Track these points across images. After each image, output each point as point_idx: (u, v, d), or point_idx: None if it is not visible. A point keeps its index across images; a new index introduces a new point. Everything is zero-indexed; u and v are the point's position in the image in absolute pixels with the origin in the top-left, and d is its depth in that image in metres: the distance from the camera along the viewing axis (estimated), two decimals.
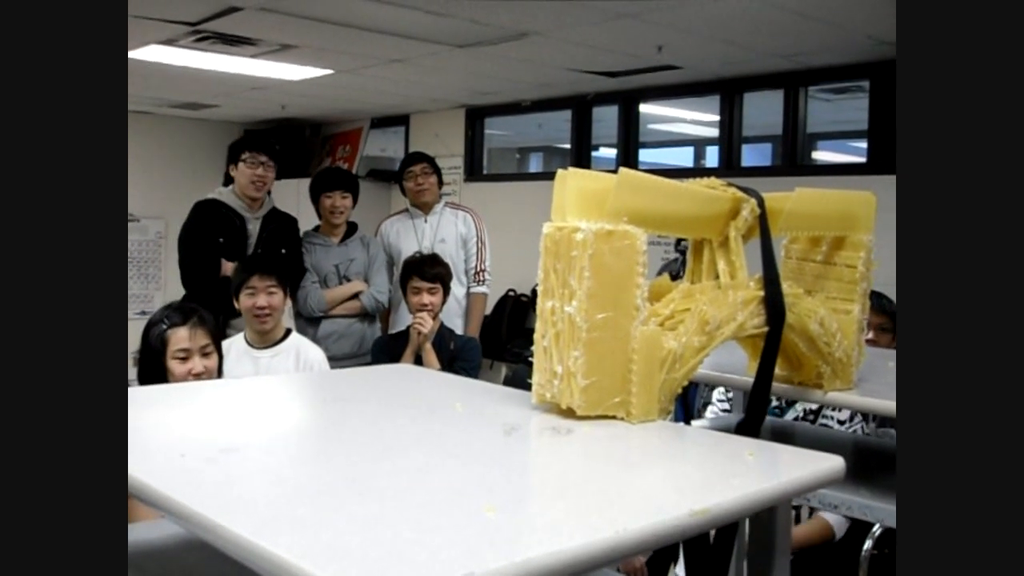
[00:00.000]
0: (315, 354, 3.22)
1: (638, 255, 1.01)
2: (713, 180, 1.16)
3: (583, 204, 1.03)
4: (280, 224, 3.86)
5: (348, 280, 3.97)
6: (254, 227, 3.77)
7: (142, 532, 1.07)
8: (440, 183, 4.34)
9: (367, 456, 0.88)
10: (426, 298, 3.55)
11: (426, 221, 4.25)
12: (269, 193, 3.89)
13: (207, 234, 3.69)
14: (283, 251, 3.79)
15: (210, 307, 3.34)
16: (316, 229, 4.08)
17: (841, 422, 2.66)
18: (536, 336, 1.05)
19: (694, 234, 1.19)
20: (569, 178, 1.05)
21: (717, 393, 2.89)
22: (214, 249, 3.67)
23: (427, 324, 3.51)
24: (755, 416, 1.14)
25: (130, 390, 1.01)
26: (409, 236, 4.23)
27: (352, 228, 4.09)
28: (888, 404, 1.25)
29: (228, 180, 3.84)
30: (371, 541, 0.64)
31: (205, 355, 2.47)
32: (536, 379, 1.05)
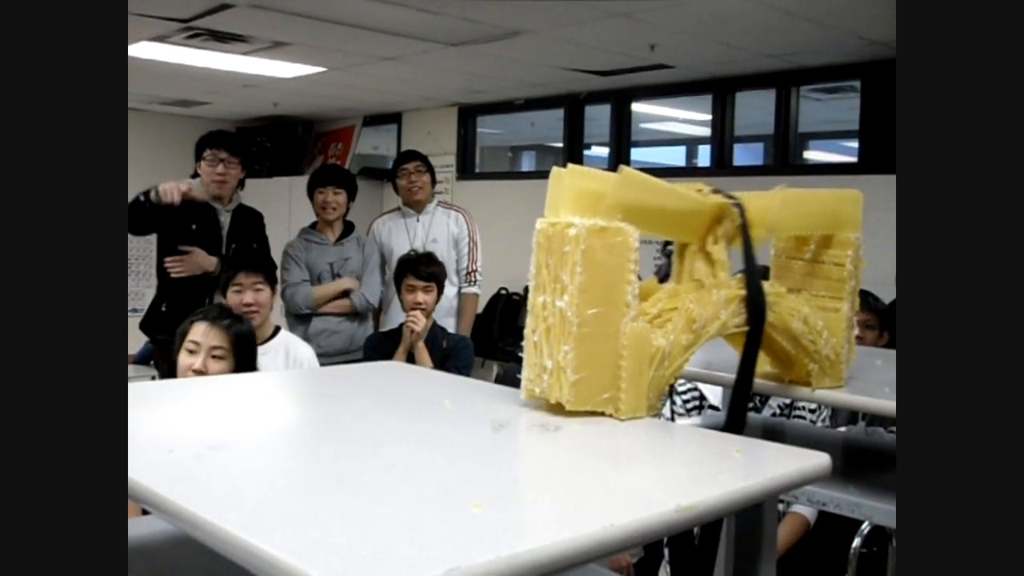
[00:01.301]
0: (304, 351, 3.21)
1: (630, 252, 1.02)
2: (699, 185, 1.17)
3: (578, 202, 1.04)
4: (248, 219, 3.85)
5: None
6: (225, 219, 3.75)
7: (130, 528, 1.07)
8: (433, 182, 4.35)
9: (356, 452, 0.88)
10: (420, 296, 3.55)
11: (418, 220, 4.25)
12: (242, 186, 3.86)
13: (179, 219, 3.63)
14: (254, 245, 3.79)
15: (185, 300, 3.36)
16: (312, 226, 4.07)
17: (812, 410, 2.75)
18: (527, 331, 1.05)
19: (684, 236, 1.19)
20: (565, 176, 1.05)
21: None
22: (186, 235, 3.64)
23: (420, 322, 3.51)
24: (738, 413, 1.14)
25: None
26: (401, 235, 4.23)
27: (349, 228, 4.08)
28: (878, 402, 1.25)
29: (196, 176, 3.83)
30: (359, 537, 0.64)
31: (214, 357, 2.43)
32: (526, 374, 1.05)
